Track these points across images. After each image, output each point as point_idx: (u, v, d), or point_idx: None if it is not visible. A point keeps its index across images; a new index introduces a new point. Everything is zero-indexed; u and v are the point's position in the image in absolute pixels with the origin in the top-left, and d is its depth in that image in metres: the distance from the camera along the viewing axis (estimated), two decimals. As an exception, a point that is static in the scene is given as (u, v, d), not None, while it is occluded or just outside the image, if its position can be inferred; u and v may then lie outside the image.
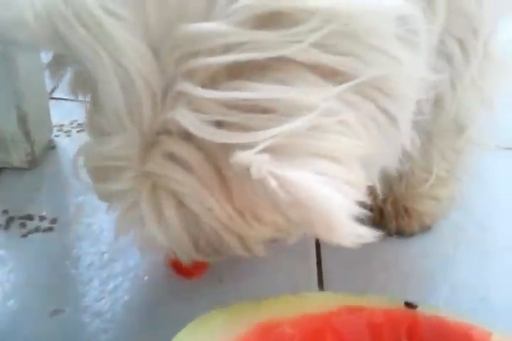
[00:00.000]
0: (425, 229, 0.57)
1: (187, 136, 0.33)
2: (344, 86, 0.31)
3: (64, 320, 0.45)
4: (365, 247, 0.56)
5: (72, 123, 0.68)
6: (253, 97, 0.30)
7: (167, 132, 0.33)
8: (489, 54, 0.48)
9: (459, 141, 0.53)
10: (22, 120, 0.58)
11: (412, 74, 0.35)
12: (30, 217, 0.54)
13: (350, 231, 0.28)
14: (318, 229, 0.28)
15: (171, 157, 0.34)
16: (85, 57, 0.33)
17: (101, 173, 0.37)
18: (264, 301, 0.36)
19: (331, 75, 0.31)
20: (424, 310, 0.39)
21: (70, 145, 0.65)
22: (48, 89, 0.67)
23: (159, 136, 0.34)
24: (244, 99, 0.30)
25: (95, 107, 0.36)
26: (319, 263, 0.53)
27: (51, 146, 0.64)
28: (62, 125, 0.67)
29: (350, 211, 0.28)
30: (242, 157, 0.28)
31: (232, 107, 0.31)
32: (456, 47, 0.45)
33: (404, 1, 0.33)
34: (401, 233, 0.56)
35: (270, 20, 0.31)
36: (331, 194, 0.27)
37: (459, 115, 0.50)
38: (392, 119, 0.34)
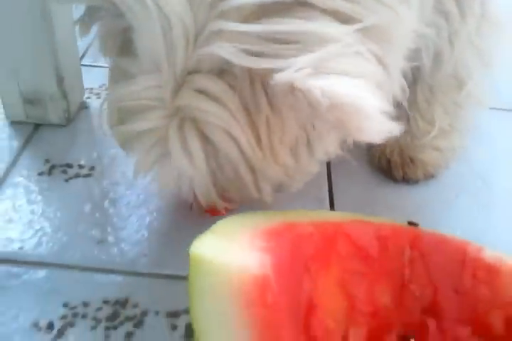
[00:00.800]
0: (429, 177, 0.62)
1: (218, 73, 0.37)
2: (356, 26, 0.35)
3: (108, 247, 0.51)
4: (374, 192, 0.61)
5: (101, 87, 0.73)
6: (286, 30, 0.34)
7: (198, 71, 0.37)
8: (486, 14, 0.51)
9: (459, 95, 0.57)
10: (60, 81, 0.63)
11: (405, 25, 0.39)
12: (69, 165, 0.60)
13: (379, 127, 0.32)
14: (351, 128, 0.32)
15: (201, 92, 0.37)
16: (126, 6, 0.36)
17: (125, 114, 0.40)
18: (284, 211, 0.40)
19: (345, 21, 0.36)
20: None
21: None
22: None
23: (190, 75, 0.37)
24: (277, 32, 0.34)
25: (123, 53, 0.40)
26: (332, 207, 0.58)
27: (84, 106, 0.69)
28: (92, 88, 0.72)
29: (379, 108, 0.32)
30: (284, 75, 0.32)
31: (267, 39, 0.35)
32: (453, 5, 0.48)
33: None
34: (407, 180, 0.61)
35: None
36: (363, 95, 0.32)
37: (457, 71, 0.54)
38: (385, 66, 0.37)
